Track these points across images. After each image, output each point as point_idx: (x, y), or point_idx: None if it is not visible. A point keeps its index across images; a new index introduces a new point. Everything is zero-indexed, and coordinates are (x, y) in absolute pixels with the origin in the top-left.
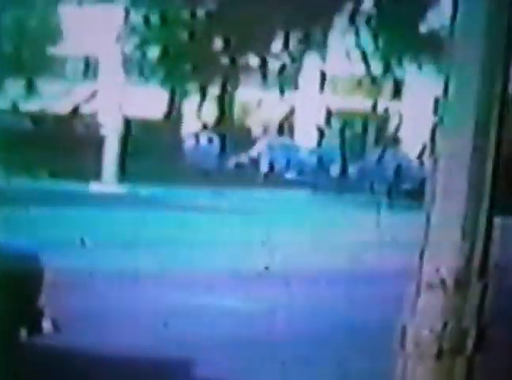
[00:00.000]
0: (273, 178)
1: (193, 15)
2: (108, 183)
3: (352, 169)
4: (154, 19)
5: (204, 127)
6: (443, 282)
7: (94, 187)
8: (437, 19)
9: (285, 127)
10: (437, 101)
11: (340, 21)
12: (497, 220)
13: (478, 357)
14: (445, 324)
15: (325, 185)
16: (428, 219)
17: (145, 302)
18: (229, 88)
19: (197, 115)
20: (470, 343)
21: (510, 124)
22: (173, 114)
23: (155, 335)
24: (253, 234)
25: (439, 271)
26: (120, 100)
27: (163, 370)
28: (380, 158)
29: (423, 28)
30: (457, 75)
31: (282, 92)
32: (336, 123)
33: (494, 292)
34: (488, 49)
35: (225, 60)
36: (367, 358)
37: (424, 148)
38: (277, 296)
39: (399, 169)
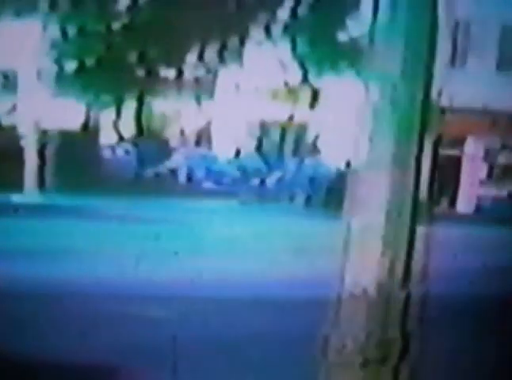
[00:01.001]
0: (191, 188)
1: (109, 28)
2: (28, 194)
3: (271, 179)
4: (72, 33)
5: (122, 138)
6: (365, 291)
7: (16, 198)
8: (356, 27)
9: (203, 137)
10: (358, 110)
11: (256, 32)
12: (420, 229)
13: (403, 366)
14: (369, 334)
15: (244, 195)
16: (348, 228)
17: (68, 309)
18: (146, 99)
19: (114, 126)
20: (395, 352)
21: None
22: (90, 126)
23: (79, 342)
24: (170, 244)
25: (361, 280)
26: (39, 112)
27: (88, 378)
28: (299, 168)
29: (342, 37)
30: (378, 83)
31: (199, 103)
32: (254, 133)
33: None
34: (409, 56)
35: (141, 72)
36: (289, 366)
37: (349, 159)
38: (196, 303)
39: (318, 178)
